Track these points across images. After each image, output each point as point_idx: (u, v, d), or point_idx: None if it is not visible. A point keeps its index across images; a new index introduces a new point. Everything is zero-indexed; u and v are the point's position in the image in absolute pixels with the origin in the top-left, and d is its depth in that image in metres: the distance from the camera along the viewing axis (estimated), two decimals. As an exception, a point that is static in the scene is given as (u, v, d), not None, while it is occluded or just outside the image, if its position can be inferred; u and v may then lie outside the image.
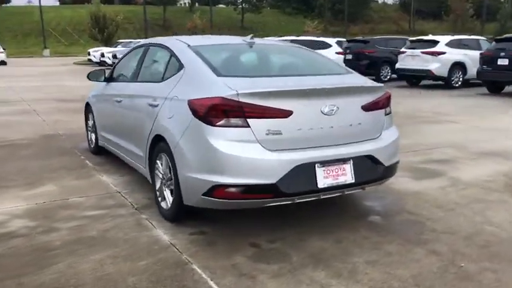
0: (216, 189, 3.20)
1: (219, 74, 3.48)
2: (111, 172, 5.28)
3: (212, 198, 3.26)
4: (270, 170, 3.17)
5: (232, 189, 3.18)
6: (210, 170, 3.22)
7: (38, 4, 48.61)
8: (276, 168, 3.18)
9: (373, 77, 17.69)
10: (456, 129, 8.07)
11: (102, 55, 29.25)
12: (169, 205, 3.74)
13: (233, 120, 3.18)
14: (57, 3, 77.23)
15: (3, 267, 3.07)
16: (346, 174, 3.43)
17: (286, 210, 3.77)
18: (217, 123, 3.18)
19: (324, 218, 3.91)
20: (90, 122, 6.10)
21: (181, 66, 3.82)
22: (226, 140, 3.18)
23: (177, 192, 3.55)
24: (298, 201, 3.37)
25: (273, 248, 3.36)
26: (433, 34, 16.84)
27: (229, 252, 3.27)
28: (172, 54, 4.04)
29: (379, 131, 3.72)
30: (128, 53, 5.26)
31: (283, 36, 18.02)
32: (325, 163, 3.35)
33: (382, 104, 3.74)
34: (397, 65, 16.17)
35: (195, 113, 3.31)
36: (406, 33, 40.87)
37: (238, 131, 3.18)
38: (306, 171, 3.27)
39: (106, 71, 5.61)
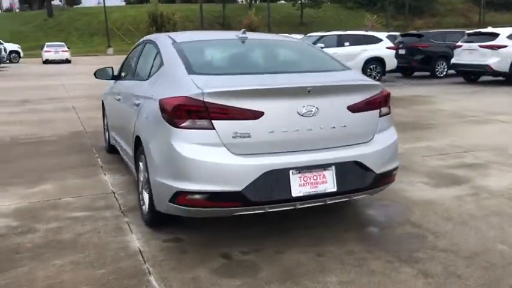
0: (179, 196, 2.99)
1: (191, 72, 3.25)
2: (115, 171, 5.20)
3: (177, 205, 3.04)
4: (235, 176, 2.90)
5: (197, 196, 2.95)
6: (173, 175, 3.00)
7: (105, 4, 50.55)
8: (242, 175, 2.91)
9: (428, 73, 16.81)
10: (504, 131, 7.34)
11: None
12: (146, 209, 3.57)
13: (198, 122, 2.94)
14: (123, 3, 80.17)
15: (-35, 269, 3.02)
16: (326, 182, 3.09)
17: (272, 218, 3.48)
18: (181, 125, 2.96)
19: (313, 228, 3.58)
20: (105, 120, 6.09)
21: (161, 64, 3.64)
22: (189, 143, 2.95)
23: (150, 197, 3.38)
24: (270, 210, 3.08)
25: (244, 260, 3.10)
26: (505, 27, 15.56)
27: (196, 263, 3.05)
28: (158, 51, 3.86)
29: (371, 134, 3.33)
30: (132, 49, 5.16)
31: (330, 31, 17.46)
32: (301, 169, 3.03)
33: (375, 104, 3.35)
34: (453, 60, 15.17)
35: (163, 113, 3.11)
36: (475, 27, 38.53)
37: (203, 134, 2.94)
38: (278, 178, 2.97)
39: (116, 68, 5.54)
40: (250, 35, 4.05)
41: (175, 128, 2.97)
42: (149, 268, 2.99)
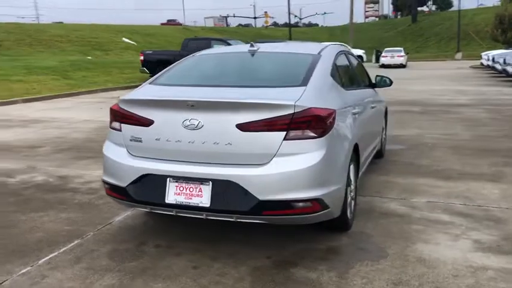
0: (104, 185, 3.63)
1: (151, 82, 3.78)
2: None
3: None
4: (123, 173, 3.33)
5: (106, 186, 3.53)
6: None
7: (474, 7, 48.76)
8: (127, 173, 3.30)
9: None
10: None
11: (493, 59, 27.14)
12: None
13: (115, 124, 3.50)
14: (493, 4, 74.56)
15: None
16: (202, 196, 3.10)
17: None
18: (110, 126, 3.59)
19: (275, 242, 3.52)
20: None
21: None
22: (110, 142, 3.55)
23: None
24: (157, 212, 3.34)
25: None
26: None
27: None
28: None
29: (267, 156, 3.04)
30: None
31: None
32: (178, 179, 3.16)
33: (277, 126, 3.02)
34: None
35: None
36: None
37: (116, 134, 3.48)
38: (156, 182, 3.21)
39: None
40: (259, 48, 4.12)
41: (109, 128, 3.62)
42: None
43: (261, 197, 2.98)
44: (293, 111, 3.02)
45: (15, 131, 8.79)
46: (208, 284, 2.95)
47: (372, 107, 4.94)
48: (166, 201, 3.17)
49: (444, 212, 4.17)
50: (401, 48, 35.85)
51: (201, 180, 3.10)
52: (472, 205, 4.35)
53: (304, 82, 3.40)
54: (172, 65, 4.15)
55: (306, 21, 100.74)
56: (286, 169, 3.01)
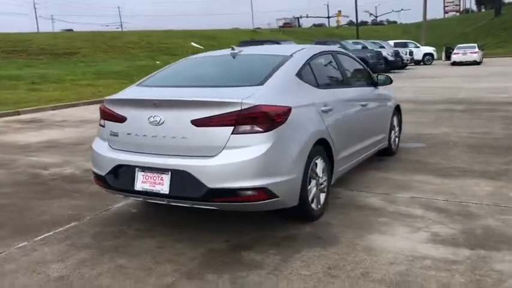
0: (94, 175, 4.13)
1: (138, 84, 4.25)
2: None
3: (98, 184, 4.16)
4: (103, 164, 3.80)
5: (93, 175, 4.04)
6: None
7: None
8: (106, 164, 3.78)
9: None
10: None
11: None
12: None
13: (101, 121, 4.00)
14: None
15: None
16: (163, 184, 3.50)
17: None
18: (99, 123, 4.10)
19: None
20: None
21: None
22: (97, 137, 4.06)
23: None
24: (133, 199, 3.79)
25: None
26: None
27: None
28: None
29: (217, 149, 3.37)
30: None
31: None
32: (144, 169, 3.58)
33: (226, 121, 3.35)
34: None
35: None
36: None
37: (101, 130, 3.97)
38: (127, 172, 3.66)
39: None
40: (239, 51, 4.46)
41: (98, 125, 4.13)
42: (85, 219, 4.32)
43: (210, 185, 3.33)
44: (240, 108, 3.33)
45: (68, 130, 9.75)
46: (163, 261, 3.34)
47: (366, 105, 5.07)
48: (135, 188, 3.61)
49: (420, 207, 4.26)
50: (475, 44, 34.15)
51: (162, 170, 3.49)
52: (453, 201, 4.39)
53: (263, 82, 3.70)
54: (164, 67, 4.59)
55: (383, 18, 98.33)
56: (233, 160, 3.32)
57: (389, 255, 3.31)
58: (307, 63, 4.25)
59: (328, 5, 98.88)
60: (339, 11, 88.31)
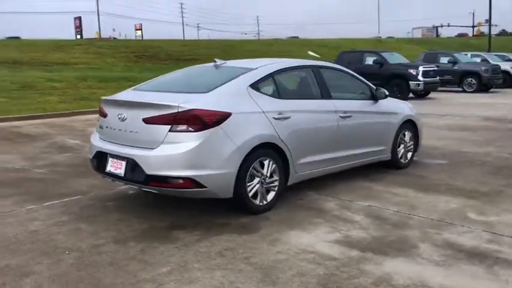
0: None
1: (133, 88, 5.18)
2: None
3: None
4: (92, 150, 4.76)
5: (90, 160, 5.05)
6: None
7: None
8: (93, 150, 4.74)
9: None
10: None
11: None
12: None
13: (98, 117, 5.01)
14: None
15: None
16: (121, 169, 4.36)
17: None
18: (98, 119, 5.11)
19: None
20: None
21: None
22: (95, 130, 5.08)
23: None
24: (106, 178, 4.70)
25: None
26: None
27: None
28: None
29: (157, 143, 4.12)
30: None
31: None
32: (112, 155, 4.48)
33: (165, 121, 4.08)
34: None
35: None
36: None
37: (97, 125, 4.99)
38: (103, 157, 4.58)
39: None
40: (220, 64, 5.17)
41: (98, 121, 5.14)
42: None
43: (148, 172, 4.11)
44: (177, 111, 4.06)
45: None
46: (111, 229, 4.18)
47: (349, 117, 5.39)
48: (106, 170, 4.52)
49: (363, 214, 4.54)
50: None
51: (121, 158, 4.36)
52: (403, 213, 4.58)
53: (210, 90, 4.38)
54: (159, 76, 5.49)
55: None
56: (167, 153, 4.06)
57: (286, 246, 3.76)
58: (270, 76, 4.80)
59: (473, 13, 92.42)
60: (485, 20, 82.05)
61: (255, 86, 4.63)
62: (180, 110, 4.06)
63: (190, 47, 34.31)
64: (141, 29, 75.13)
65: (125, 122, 4.38)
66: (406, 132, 6.42)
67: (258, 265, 3.43)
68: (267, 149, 4.50)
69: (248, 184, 4.38)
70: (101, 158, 4.62)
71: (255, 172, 4.42)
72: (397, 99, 6.86)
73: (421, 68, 17.52)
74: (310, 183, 5.36)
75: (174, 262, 3.49)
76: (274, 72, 4.89)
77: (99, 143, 4.71)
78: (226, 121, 4.19)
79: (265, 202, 4.56)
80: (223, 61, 5.32)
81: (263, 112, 4.52)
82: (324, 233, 4.06)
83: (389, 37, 70.40)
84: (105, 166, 4.54)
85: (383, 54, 18.57)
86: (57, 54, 26.57)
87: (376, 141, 5.91)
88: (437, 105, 15.19)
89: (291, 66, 5.22)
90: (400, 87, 17.50)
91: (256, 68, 4.84)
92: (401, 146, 6.36)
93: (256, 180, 4.44)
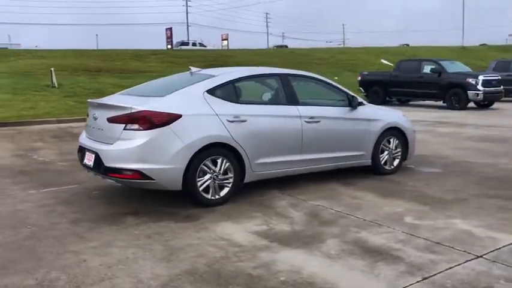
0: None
1: (120, 92, 5.91)
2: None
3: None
4: (78, 145, 5.58)
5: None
6: None
7: None
8: (78, 145, 5.54)
9: None
10: None
11: None
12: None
13: (88, 116, 5.79)
14: None
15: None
16: (91, 161, 5.08)
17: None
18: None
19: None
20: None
21: None
22: (86, 127, 5.87)
23: None
24: (88, 172, 5.45)
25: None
26: None
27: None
28: None
29: (115, 139, 4.75)
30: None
31: None
32: (88, 150, 5.21)
33: (120, 120, 4.71)
34: None
35: None
36: None
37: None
38: (83, 151, 5.35)
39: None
40: (194, 72, 5.73)
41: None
42: (86, 184, 6.18)
43: (106, 164, 4.78)
44: (130, 112, 4.70)
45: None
46: (77, 213, 4.91)
47: (317, 122, 5.71)
48: (83, 162, 5.27)
49: (303, 212, 4.86)
50: None
51: (92, 151, 5.06)
52: (344, 213, 4.82)
53: (166, 94, 4.97)
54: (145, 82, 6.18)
55: None
56: (120, 148, 4.71)
57: (207, 234, 4.23)
58: (230, 82, 5.30)
59: None
60: None
61: (212, 91, 5.14)
62: (132, 111, 4.69)
63: (261, 56, 35.27)
64: (227, 39, 78.15)
65: (97, 121, 5.09)
66: (392, 139, 6.54)
67: (169, 247, 3.93)
68: (219, 149, 4.98)
69: (199, 179, 4.88)
70: (82, 152, 5.37)
71: (206, 169, 4.91)
72: (380, 107, 7.02)
73: (481, 77, 16.84)
74: (284, 183, 5.79)
75: (104, 239, 4.10)
76: (234, 79, 5.37)
77: (82, 139, 5.48)
78: (176, 122, 4.74)
79: (217, 197, 5.03)
80: (198, 69, 5.89)
81: (216, 115, 5.01)
82: (253, 225, 4.46)
83: (482, 44, 66.33)
84: (82, 159, 5.28)
85: (441, 62, 18.04)
86: (134, 63, 28.71)
87: (352, 146, 6.13)
88: (490, 116, 14.61)
89: (254, 74, 5.68)
90: (459, 96, 16.99)
91: (217, 75, 5.35)
92: (385, 152, 6.50)
93: (208, 176, 4.93)
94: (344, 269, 3.50)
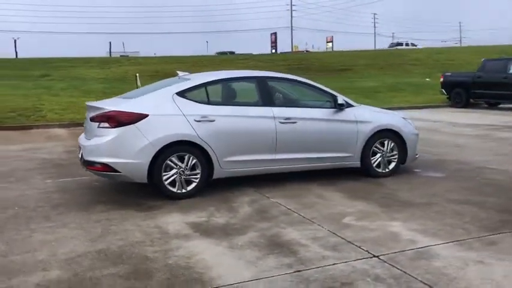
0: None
1: (119, 96, 6.63)
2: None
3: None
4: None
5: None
6: None
7: None
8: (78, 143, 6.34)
9: None
10: None
11: None
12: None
13: (93, 117, 6.57)
14: None
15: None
16: (80, 155, 5.85)
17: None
18: (98, 117, 6.67)
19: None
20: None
21: None
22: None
23: None
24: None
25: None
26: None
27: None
28: None
29: (93, 136, 5.43)
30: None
31: None
32: (80, 146, 5.99)
33: (95, 119, 5.37)
34: None
35: None
36: None
37: (89, 123, 6.56)
38: (80, 148, 6.14)
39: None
40: (184, 77, 6.23)
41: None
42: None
43: (85, 157, 5.49)
44: (103, 112, 5.36)
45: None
46: (65, 199, 5.68)
47: (294, 123, 5.91)
48: (79, 156, 6.06)
49: (254, 208, 5.13)
50: None
51: (83, 147, 5.83)
52: (291, 211, 5.01)
53: (138, 96, 5.56)
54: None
55: None
56: (94, 143, 5.38)
57: (148, 222, 4.71)
58: (202, 85, 5.74)
59: None
60: None
61: (182, 93, 5.61)
62: (104, 111, 5.34)
63: (346, 57, 34.80)
64: (331, 41, 77.94)
65: (87, 120, 5.83)
66: (386, 142, 6.46)
67: (107, 230, 4.47)
68: (186, 146, 5.43)
69: (164, 173, 5.39)
70: (79, 148, 6.16)
71: (172, 164, 5.40)
72: (375, 109, 6.92)
73: None
74: (265, 182, 6.08)
75: (63, 221, 4.77)
76: (207, 82, 5.79)
77: (80, 138, 6.26)
78: (143, 121, 5.29)
79: (184, 190, 5.49)
80: (185, 73, 6.38)
81: (183, 115, 5.47)
82: (196, 217, 4.84)
83: None
84: (80, 154, 6.06)
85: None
86: (219, 68, 30.09)
87: (337, 148, 6.20)
88: None
89: (230, 77, 6.04)
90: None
91: (190, 79, 5.81)
92: (378, 154, 6.44)
93: (174, 171, 5.41)
94: (232, 258, 3.76)
